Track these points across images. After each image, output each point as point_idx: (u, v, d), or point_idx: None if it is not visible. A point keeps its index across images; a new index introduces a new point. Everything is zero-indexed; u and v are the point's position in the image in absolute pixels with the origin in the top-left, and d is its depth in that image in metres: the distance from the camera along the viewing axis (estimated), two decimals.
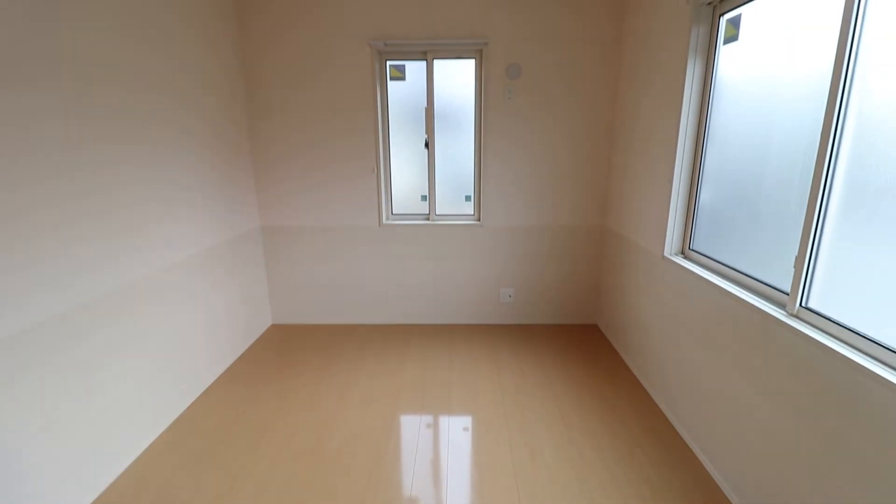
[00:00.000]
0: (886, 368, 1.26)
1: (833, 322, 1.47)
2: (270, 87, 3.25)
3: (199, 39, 2.68)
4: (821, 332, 1.49)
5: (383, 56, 3.27)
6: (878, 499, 1.25)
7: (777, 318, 1.63)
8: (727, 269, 2.08)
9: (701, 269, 2.22)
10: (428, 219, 3.55)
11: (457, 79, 3.32)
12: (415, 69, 3.31)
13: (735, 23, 2.05)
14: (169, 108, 2.41)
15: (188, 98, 2.57)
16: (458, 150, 3.45)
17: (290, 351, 3.27)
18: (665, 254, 2.51)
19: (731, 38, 2.08)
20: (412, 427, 2.41)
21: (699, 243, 2.39)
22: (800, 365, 1.53)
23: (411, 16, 3.13)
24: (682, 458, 2.15)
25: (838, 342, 1.42)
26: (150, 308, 2.30)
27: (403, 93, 3.36)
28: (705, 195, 2.35)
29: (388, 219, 3.56)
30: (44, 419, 1.71)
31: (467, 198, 3.55)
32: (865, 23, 1.39)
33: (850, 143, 1.45)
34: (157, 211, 2.33)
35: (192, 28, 2.60)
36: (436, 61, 3.25)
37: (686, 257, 2.44)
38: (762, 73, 1.91)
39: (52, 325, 1.75)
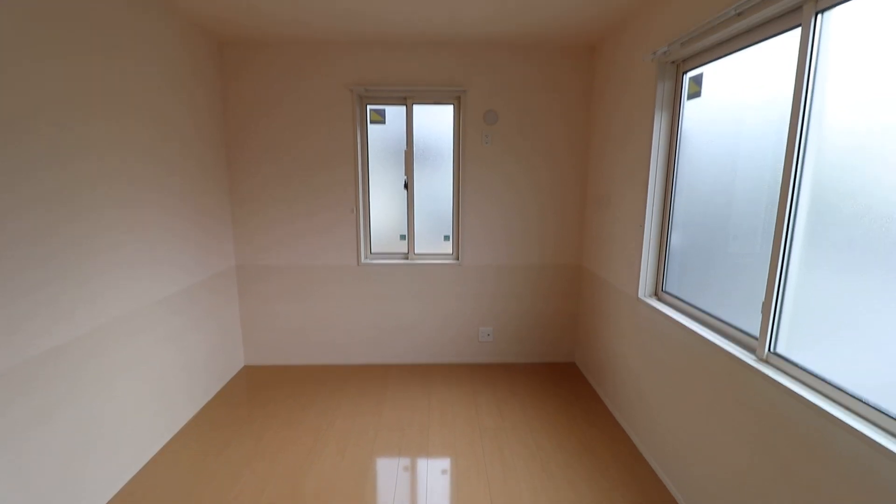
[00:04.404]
0: (849, 413, 1.31)
1: (800, 368, 1.53)
2: (250, 129, 3.28)
3: (181, 92, 2.71)
4: (789, 378, 1.54)
5: (364, 100, 3.35)
6: None
7: (747, 364, 1.68)
8: (698, 311, 2.15)
9: (673, 311, 2.29)
10: (407, 258, 3.56)
11: (436, 121, 3.42)
12: (395, 113, 3.40)
13: (698, 81, 2.20)
14: (154, 173, 2.46)
15: (171, 154, 2.57)
16: (437, 189, 3.51)
17: (263, 392, 3.16)
18: (639, 295, 2.57)
19: (695, 94, 2.23)
20: (389, 471, 2.33)
21: (671, 285, 2.46)
22: (770, 410, 1.57)
23: (392, 63, 3.24)
24: (660, 502, 2.13)
25: (805, 387, 1.47)
26: (130, 347, 2.29)
27: (383, 135, 3.43)
28: (676, 239, 2.44)
29: (366, 258, 3.55)
30: (4, 467, 1.61)
31: (446, 237, 3.59)
32: (817, 80, 1.51)
33: (809, 191, 1.54)
34: (136, 252, 2.30)
35: (177, 92, 2.64)
36: (415, 106, 3.35)
37: (659, 299, 2.51)
38: (725, 126, 2.05)
39: (22, 369, 1.67)
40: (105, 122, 2.11)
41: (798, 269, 1.59)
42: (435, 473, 2.34)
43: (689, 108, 2.29)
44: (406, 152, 3.40)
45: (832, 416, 1.32)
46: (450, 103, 3.38)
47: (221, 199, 3.23)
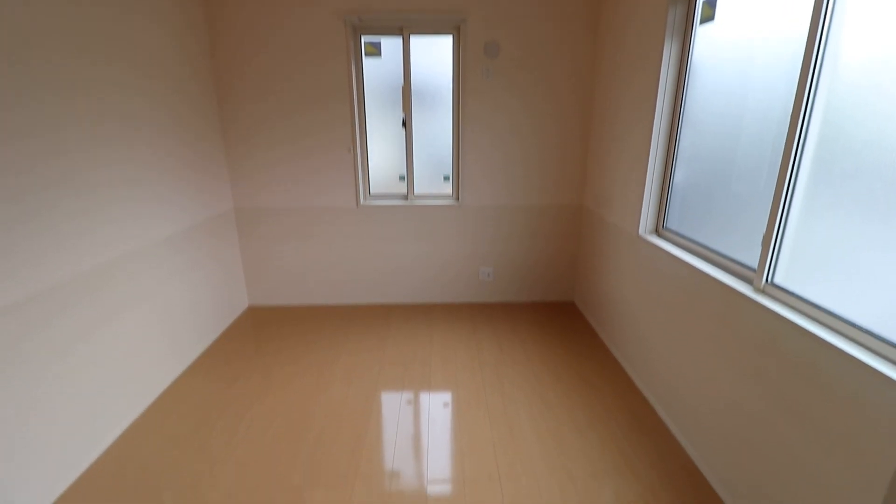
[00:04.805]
0: (844, 340, 1.34)
1: (796, 297, 1.55)
2: (240, 65, 3.12)
3: (161, 24, 2.55)
4: (784, 307, 1.56)
5: (357, 31, 3.17)
6: (830, 461, 1.34)
7: (744, 295, 1.70)
8: (698, 246, 2.15)
9: (673, 246, 2.29)
10: (406, 199, 3.52)
11: (435, 58, 3.26)
12: (391, 46, 3.23)
13: (711, 3, 2.06)
14: (145, 113, 2.41)
15: (159, 91, 2.46)
16: (436, 128, 3.41)
17: (268, 330, 3.24)
18: (639, 232, 2.57)
19: (708, 18, 2.10)
20: (393, 404, 2.44)
21: (672, 222, 2.45)
22: (765, 339, 1.61)
23: None
24: (653, 429, 2.25)
25: (801, 315, 1.50)
26: (133, 284, 2.32)
27: (379, 70, 3.28)
28: (679, 175, 2.40)
29: (365, 199, 3.51)
30: (20, 400, 1.67)
31: (446, 178, 3.53)
32: (836, 7, 1.42)
33: (818, 127, 1.49)
34: (131, 190, 2.28)
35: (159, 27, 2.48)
36: (412, 38, 3.18)
37: (659, 236, 2.50)
38: (736, 54, 1.95)
39: (27, 306, 1.70)
40: (95, 60, 2.07)
41: (801, 202, 1.57)
42: (437, 403, 2.44)
43: (701, 35, 2.16)
44: (403, 88, 3.26)
45: (827, 342, 1.35)
46: (449, 33, 3.20)
47: (215, 140, 3.15)
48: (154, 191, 2.48)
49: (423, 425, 2.28)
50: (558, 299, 3.78)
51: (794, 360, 1.48)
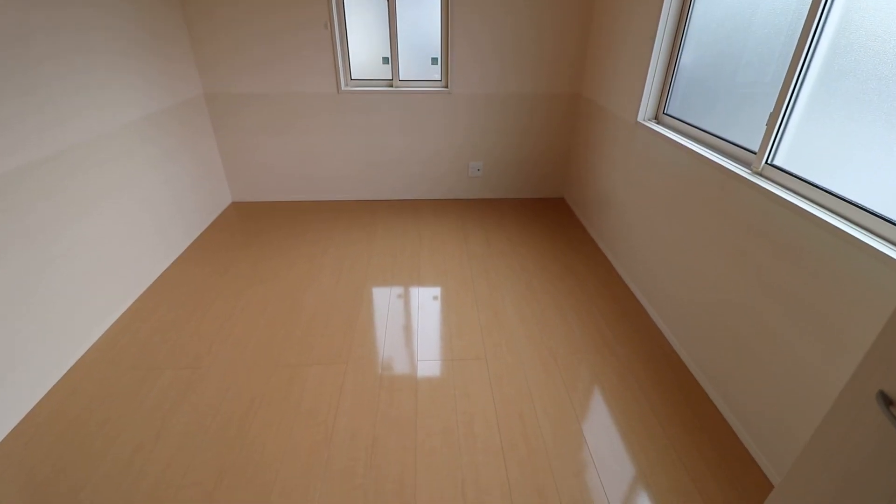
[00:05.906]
0: (836, 217, 1.32)
1: (794, 176, 1.51)
2: None
3: None
4: (780, 187, 1.53)
5: None
6: (805, 339, 1.41)
7: (741, 176, 1.66)
8: (699, 131, 2.06)
9: (672, 132, 2.20)
10: (391, 85, 3.28)
11: None
12: None
13: None
14: None
15: None
16: (423, 6, 3.05)
17: (254, 225, 3.19)
18: (638, 119, 2.44)
19: None
20: (383, 291, 2.49)
21: (674, 107, 2.32)
22: (757, 221, 1.60)
23: None
24: (635, 316, 2.34)
25: (795, 195, 1.47)
26: (108, 169, 2.21)
27: None
28: (687, 56, 2.22)
29: (346, 84, 3.26)
30: (8, 286, 1.65)
31: (434, 60, 3.26)
32: None
33: (839, 13, 1.36)
34: (81, 71, 2.03)
35: None
36: None
37: (659, 122, 2.39)
38: None
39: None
40: None
41: (814, 83, 1.46)
42: (426, 291, 2.49)
43: None
44: None
45: (819, 218, 1.33)
46: None
47: (173, 15, 2.79)
48: (108, 73, 2.23)
49: (413, 311, 2.34)
50: (549, 195, 3.73)
51: (783, 240, 1.48)
